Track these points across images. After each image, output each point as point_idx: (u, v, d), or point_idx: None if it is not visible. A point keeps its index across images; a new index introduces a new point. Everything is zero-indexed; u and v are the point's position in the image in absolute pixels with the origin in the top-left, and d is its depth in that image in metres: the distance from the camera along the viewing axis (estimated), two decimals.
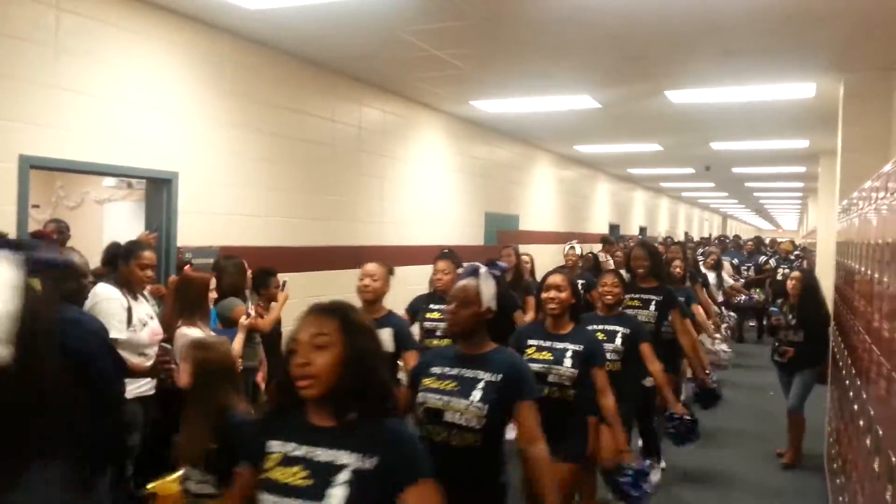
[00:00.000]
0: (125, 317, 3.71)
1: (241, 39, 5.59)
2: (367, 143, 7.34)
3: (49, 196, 7.90)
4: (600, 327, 4.08)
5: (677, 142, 11.32)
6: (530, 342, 3.40)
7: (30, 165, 4.08)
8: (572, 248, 7.31)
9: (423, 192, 8.56)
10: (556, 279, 3.45)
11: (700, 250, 12.27)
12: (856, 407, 3.33)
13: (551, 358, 3.30)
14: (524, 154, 11.82)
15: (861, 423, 3.02)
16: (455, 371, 2.53)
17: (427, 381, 2.56)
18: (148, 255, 3.93)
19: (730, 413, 6.93)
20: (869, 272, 3.15)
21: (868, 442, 2.81)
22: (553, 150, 12.80)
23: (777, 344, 5.94)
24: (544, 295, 3.44)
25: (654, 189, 22.06)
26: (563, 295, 3.38)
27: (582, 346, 3.32)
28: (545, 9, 4.90)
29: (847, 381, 3.85)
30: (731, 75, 6.70)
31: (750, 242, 15.51)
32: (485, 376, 2.48)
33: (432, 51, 5.95)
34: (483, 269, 2.62)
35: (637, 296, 4.87)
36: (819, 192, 12.53)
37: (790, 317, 5.83)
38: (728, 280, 10.72)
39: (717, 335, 6.74)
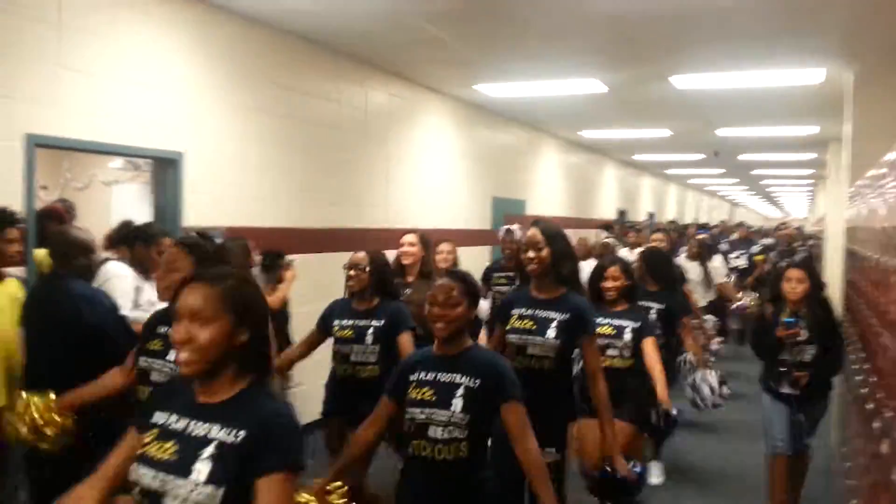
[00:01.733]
0: (133, 296, 3.73)
1: (247, 20, 5.55)
2: (372, 127, 7.32)
3: (56, 178, 7.91)
4: (431, 376, 2.52)
5: (683, 128, 11.25)
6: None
7: (35, 144, 4.07)
8: (509, 231, 5.42)
9: (429, 176, 8.54)
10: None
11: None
12: (863, 391, 3.32)
13: None
14: (530, 139, 11.78)
15: (868, 407, 3.01)
16: None
17: None
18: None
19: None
20: (878, 257, 3.13)
21: (875, 426, 2.80)
22: (559, 135, 12.75)
23: (781, 369, 4.19)
24: None
25: (662, 176, 21.98)
26: None
27: None
28: None
29: (856, 365, 3.82)
30: (738, 60, 6.64)
31: (744, 228, 13.04)
32: None
33: (436, 32, 5.91)
34: None
35: (531, 312, 3.15)
36: (829, 178, 12.46)
37: (801, 323, 4.14)
38: (719, 276, 8.15)
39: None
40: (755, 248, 11.31)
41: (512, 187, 11.03)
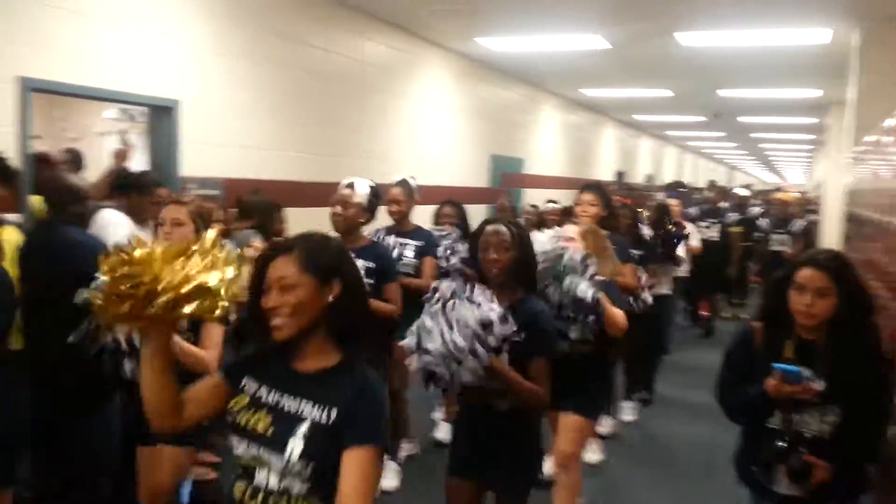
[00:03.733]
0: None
1: None
2: (371, 79, 7.21)
3: (49, 127, 7.80)
4: None
5: (685, 88, 11.14)
6: None
7: (32, 88, 4.00)
8: (404, 183, 4.33)
9: (428, 131, 8.45)
10: None
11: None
12: None
13: None
14: (530, 96, 11.65)
15: None
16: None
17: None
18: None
19: None
20: (881, 217, 3.11)
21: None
22: (559, 93, 12.61)
23: (778, 444, 2.27)
24: None
25: (661, 137, 21.85)
26: None
27: None
28: None
29: None
30: (744, 17, 6.54)
31: (716, 190, 9.85)
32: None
33: None
34: None
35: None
36: (830, 143, 12.39)
37: (810, 374, 2.18)
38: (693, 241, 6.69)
39: None
40: (732, 217, 8.54)
41: (511, 145, 10.94)
